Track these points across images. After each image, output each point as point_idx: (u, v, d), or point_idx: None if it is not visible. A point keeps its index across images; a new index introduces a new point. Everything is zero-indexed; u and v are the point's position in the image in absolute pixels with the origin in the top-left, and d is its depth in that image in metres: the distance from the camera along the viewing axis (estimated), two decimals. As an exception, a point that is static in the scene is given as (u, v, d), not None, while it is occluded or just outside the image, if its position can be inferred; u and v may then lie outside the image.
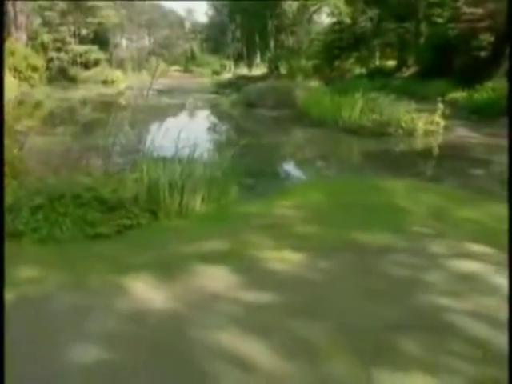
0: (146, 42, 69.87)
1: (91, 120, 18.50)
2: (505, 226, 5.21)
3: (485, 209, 5.76)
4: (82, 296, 3.40)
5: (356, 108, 13.60)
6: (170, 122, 19.30)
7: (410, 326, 2.94)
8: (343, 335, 2.85)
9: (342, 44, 36.67)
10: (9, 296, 3.16)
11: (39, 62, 29.96)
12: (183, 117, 20.81)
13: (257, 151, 11.84)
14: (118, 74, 45.60)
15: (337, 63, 38.13)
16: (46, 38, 38.37)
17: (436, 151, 10.85)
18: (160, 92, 33.43)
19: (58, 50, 39.93)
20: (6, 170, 4.99)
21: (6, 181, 4.93)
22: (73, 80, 40.47)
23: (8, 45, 27.50)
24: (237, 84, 31.52)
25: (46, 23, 39.60)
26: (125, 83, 38.56)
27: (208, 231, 4.89)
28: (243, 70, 52.54)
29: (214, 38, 60.90)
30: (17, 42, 29.89)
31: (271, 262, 3.97)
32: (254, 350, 2.71)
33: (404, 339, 2.79)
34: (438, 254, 4.15)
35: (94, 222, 4.90)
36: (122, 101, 26.40)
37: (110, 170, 6.01)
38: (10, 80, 25.11)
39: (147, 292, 3.46)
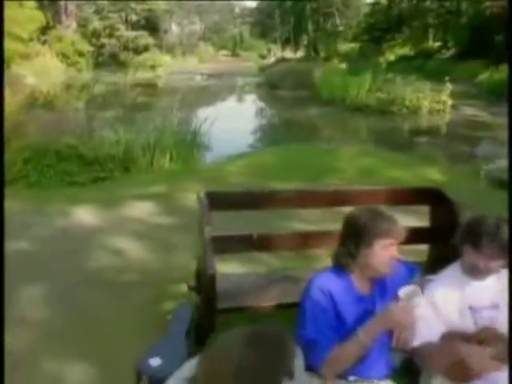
0: (197, 27, 71.49)
1: (134, 103, 19.81)
2: (421, 183, 5.95)
3: (415, 171, 6.43)
4: (33, 217, 4.55)
5: (363, 87, 14.17)
6: (202, 103, 20.49)
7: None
8: (202, 242, 3.83)
9: (383, 26, 36.55)
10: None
11: (85, 47, 31.84)
12: (211, 97, 21.95)
13: (258, 127, 12.78)
14: (167, 58, 47.34)
15: (384, 45, 38.14)
16: (98, 24, 40.66)
17: (426, 127, 11.33)
18: (208, 76, 34.98)
19: (110, 36, 42.15)
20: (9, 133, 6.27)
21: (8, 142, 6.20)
22: (123, 65, 42.44)
23: (56, 31, 29.67)
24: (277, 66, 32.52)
25: (97, 11, 41.91)
26: (173, 67, 40.20)
27: (161, 181, 5.94)
28: (289, 54, 53.28)
29: (261, 23, 61.65)
30: (66, 28, 32.09)
31: (189, 201, 4.93)
32: (134, 247, 3.77)
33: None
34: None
35: (73, 173, 6.09)
36: (167, 84, 27.96)
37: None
38: (56, 65, 27.14)
39: (84, 216, 4.58)
